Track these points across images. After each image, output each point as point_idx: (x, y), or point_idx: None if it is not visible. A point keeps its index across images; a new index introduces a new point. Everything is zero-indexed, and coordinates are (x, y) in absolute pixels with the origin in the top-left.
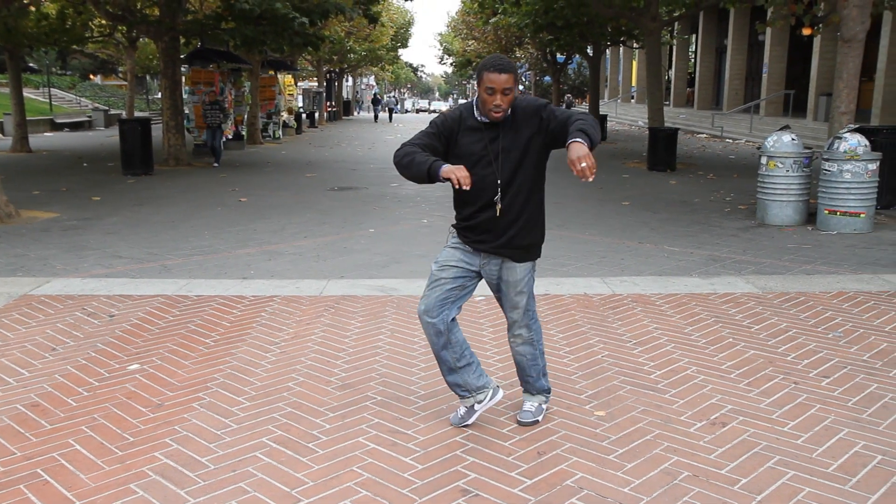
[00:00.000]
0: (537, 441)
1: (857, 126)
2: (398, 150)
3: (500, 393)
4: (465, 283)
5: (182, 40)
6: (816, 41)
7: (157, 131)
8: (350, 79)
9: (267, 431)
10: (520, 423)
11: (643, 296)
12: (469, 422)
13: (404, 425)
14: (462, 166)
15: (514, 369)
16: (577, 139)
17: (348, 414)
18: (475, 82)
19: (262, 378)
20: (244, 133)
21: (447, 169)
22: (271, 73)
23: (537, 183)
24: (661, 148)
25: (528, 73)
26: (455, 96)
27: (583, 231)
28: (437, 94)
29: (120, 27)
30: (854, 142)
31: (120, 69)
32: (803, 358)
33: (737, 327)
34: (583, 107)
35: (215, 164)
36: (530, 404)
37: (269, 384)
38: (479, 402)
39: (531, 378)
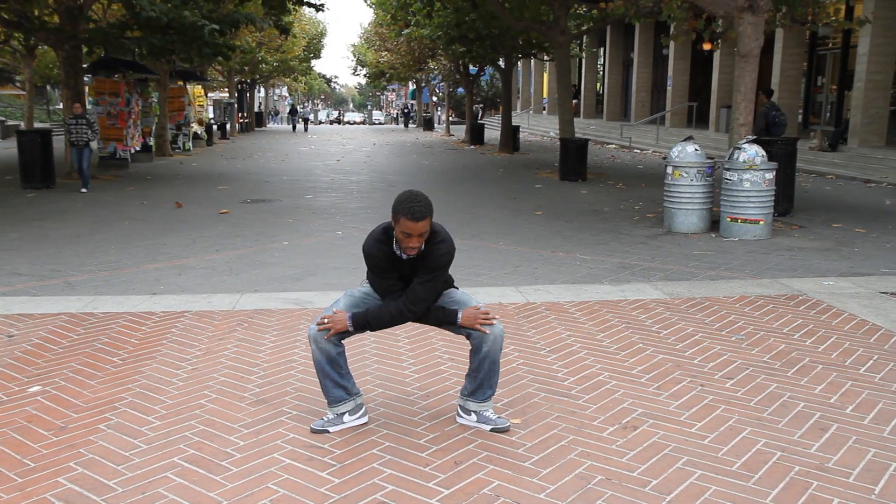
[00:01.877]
0: (454, 451)
1: (754, 137)
2: (397, 307)
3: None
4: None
5: (84, 49)
6: (716, 56)
7: (58, 143)
8: (262, 89)
9: (178, 451)
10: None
11: (557, 304)
12: (333, 429)
13: (320, 439)
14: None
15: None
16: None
17: (263, 430)
18: (392, 217)
19: (172, 396)
20: (152, 144)
21: (465, 319)
22: (180, 83)
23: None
24: (573, 158)
25: (440, 84)
26: (369, 108)
27: (496, 240)
28: (350, 105)
29: (16, 34)
30: (752, 152)
31: (18, 78)
32: (709, 361)
33: (646, 332)
34: (495, 118)
35: (83, 190)
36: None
37: (180, 402)
38: (350, 415)
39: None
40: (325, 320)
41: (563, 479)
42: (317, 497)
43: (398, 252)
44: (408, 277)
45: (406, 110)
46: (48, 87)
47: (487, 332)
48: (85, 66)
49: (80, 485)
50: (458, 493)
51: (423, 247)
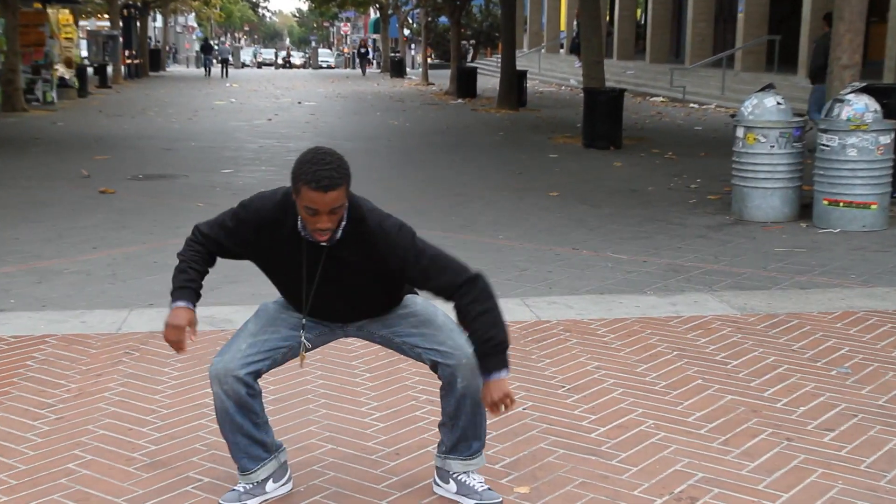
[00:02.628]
0: None
1: (863, 84)
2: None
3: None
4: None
5: None
6: None
7: None
8: (159, 18)
9: None
10: None
11: (579, 322)
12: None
13: (377, 494)
14: (176, 330)
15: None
16: (498, 371)
17: None
18: (291, 186)
19: (27, 459)
20: None
21: (167, 329)
22: (38, 5)
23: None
24: (602, 117)
25: (415, 12)
26: (314, 44)
27: (494, 233)
28: (287, 41)
29: None
30: (860, 106)
31: None
32: (798, 404)
33: (707, 364)
34: (492, 61)
35: None
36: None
37: (38, 467)
38: (274, 481)
39: None
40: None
41: None
42: None
43: (302, 232)
44: (310, 275)
45: (362, 49)
46: None
47: (453, 357)
48: None
49: None
50: None
51: (339, 232)
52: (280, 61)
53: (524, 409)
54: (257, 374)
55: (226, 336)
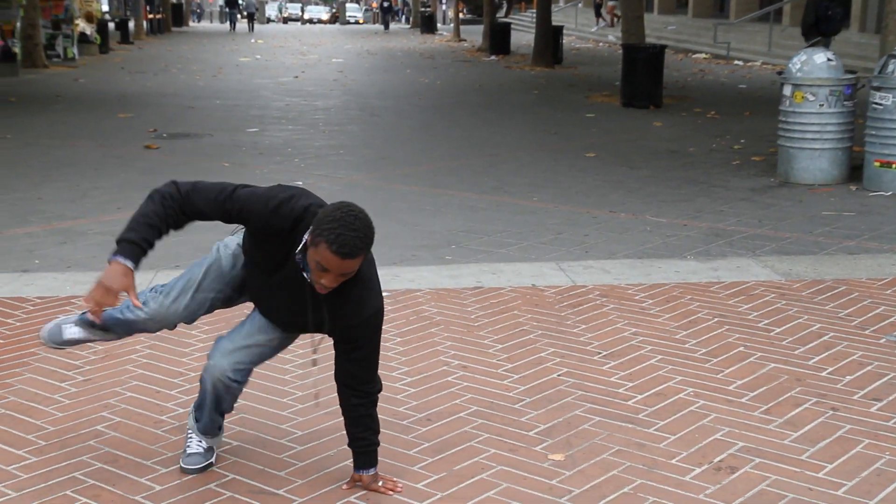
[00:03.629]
0: (467, 499)
1: None
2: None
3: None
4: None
5: None
6: None
7: None
8: None
9: (66, 500)
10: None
11: (617, 287)
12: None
13: (269, 481)
14: (108, 294)
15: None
16: (366, 469)
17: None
18: (310, 232)
19: (55, 420)
20: (17, 50)
21: (97, 289)
22: None
23: None
24: (642, 75)
25: None
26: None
27: (529, 195)
28: None
29: None
30: None
31: None
32: (844, 373)
33: (750, 331)
34: (526, 15)
35: None
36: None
37: (65, 429)
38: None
39: None
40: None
41: None
42: None
43: (299, 260)
44: (290, 306)
45: (385, 3)
46: None
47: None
48: None
49: None
50: None
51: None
52: (305, 16)
53: (559, 375)
54: (248, 373)
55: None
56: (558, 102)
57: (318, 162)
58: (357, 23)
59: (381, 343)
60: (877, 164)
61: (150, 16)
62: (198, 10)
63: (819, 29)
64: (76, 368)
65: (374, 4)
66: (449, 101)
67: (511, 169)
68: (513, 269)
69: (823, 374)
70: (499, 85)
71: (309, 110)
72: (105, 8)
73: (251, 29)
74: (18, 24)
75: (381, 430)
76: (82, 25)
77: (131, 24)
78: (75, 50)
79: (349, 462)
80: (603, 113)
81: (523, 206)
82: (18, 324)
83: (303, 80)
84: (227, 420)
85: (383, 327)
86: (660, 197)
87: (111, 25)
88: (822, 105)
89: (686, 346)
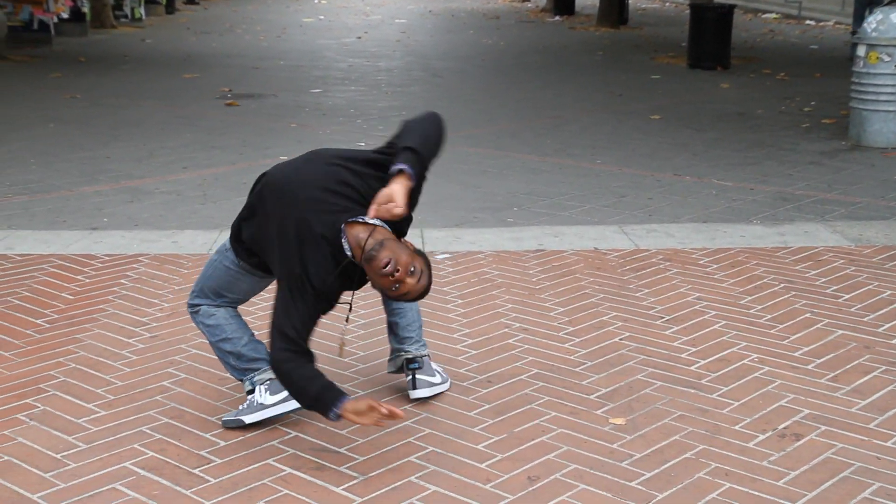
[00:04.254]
0: (528, 461)
1: None
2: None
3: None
4: None
5: None
6: None
7: None
8: None
9: (133, 453)
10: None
11: (680, 252)
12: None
13: (335, 440)
14: (371, 413)
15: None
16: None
17: (254, 426)
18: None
19: (123, 375)
20: (86, 11)
21: (364, 420)
22: None
23: None
24: (709, 35)
25: None
26: None
27: (592, 158)
28: None
29: None
30: None
31: None
32: None
33: (817, 297)
34: None
35: None
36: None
37: (134, 384)
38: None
39: None
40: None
41: None
42: None
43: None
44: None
45: None
46: None
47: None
48: None
49: None
50: None
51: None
52: None
53: (621, 339)
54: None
55: None
56: (623, 64)
57: (380, 123)
58: None
59: (444, 304)
60: None
61: None
62: None
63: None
64: (143, 325)
65: None
66: (512, 62)
67: (574, 131)
68: (575, 231)
69: (894, 341)
70: (562, 46)
71: (371, 71)
72: None
73: None
74: None
75: (441, 394)
76: None
77: None
78: (142, 10)
79: (411, 422)
80: (669, 74)
81: (586, 169)
82: (87, 280)
83: (365, 41)
84: None
85: (444, 289)
86: (726, 160)
87: None
88: None
89: (751, 311)
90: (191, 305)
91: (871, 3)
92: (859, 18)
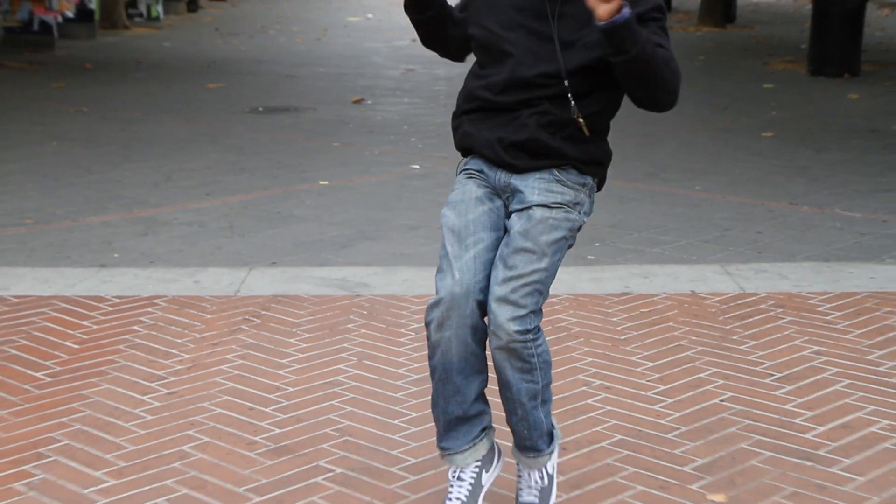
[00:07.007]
0: None
1: None
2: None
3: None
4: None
5: None
6: None
7: None
8: None
9: None
10: None
11: (795, 296)
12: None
13: None
14: None
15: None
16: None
17: (286, 499)
18: None
19: (136, 439)
20: (95, 9)
21: None
22: None
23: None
24: (835, 35)
25: None
26: None
27: (690, 184)
28: None
29: None
30: None
31: None
32: None
33: None
34: None
35: None
36: (537, 474)
37: (149, 448)
38: (485, 470)
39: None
40: None
41: None
42: None
43: None
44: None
45: None
46: None
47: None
48: None
49: None
50: None
51: None
52: None
53: (722, 400)
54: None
55: (361, 303)
56: (730, 70)
57: (438, 142)
58: None
59: None
60: None
61: None
62: None
63: None
64: (160, 380)
65: None
66: None
67: (669, 151)
68: (668, 271)
69: None
70: None
71: (428, 80)
72: None
73: None
74: None
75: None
76: None
77: None
78: (160, 8)
79: None
80: (785, 83)
81: (683, 197)
82: (95, 326)
83: (419, 45)
84: (330, 444)
85: None
86: (854, 186)
87: None
88: None
89: (880, 369)
90: (529, 331)
91: None
92: None
